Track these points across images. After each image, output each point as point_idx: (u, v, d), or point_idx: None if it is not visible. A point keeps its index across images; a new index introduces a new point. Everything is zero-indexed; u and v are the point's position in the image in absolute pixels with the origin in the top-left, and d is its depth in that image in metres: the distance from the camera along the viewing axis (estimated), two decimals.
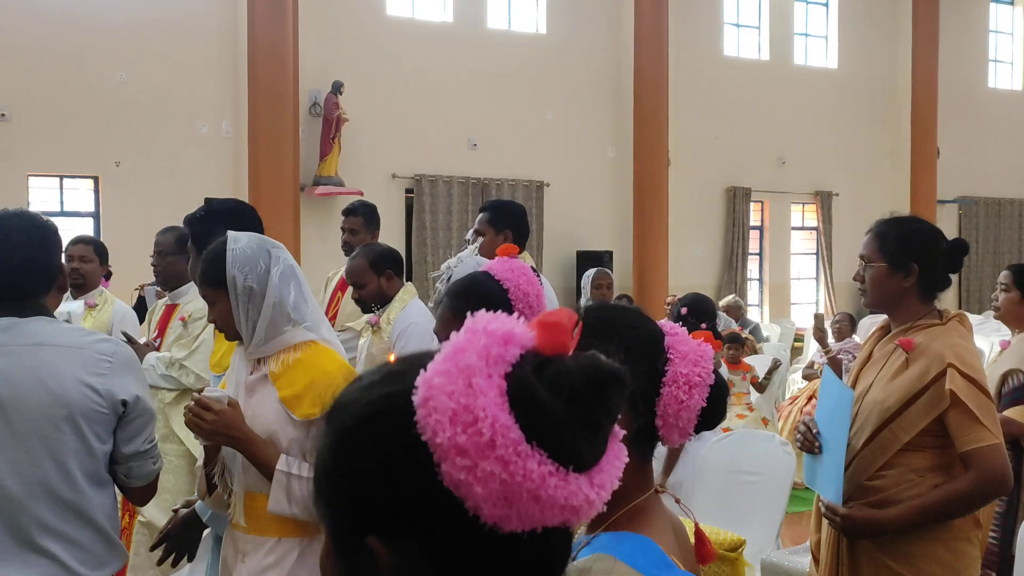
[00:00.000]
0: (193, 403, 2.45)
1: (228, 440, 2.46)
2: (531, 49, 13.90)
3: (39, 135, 10.69)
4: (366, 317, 4.44)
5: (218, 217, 3.56)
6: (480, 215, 4.62)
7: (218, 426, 2.43)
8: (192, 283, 4.72)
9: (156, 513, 4.41)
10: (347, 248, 5.84)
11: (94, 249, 5.33)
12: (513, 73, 13.59)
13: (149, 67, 11.20)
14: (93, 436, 2.40)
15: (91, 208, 11.20)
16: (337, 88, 12.03)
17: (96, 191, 11.27)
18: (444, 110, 12.99)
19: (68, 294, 5.91)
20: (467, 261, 3.47)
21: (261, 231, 3.37)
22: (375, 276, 4.38)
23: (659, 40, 14.28)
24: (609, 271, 7.69)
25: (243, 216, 3.62)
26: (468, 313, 0.89)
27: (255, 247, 2.48)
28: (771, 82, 15.87)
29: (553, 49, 14.01)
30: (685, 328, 1.52)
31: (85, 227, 10.97)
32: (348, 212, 5.92)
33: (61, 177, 11.10)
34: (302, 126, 11.98)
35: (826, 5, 16.99)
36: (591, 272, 7.39)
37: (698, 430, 1.47)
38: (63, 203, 11.08)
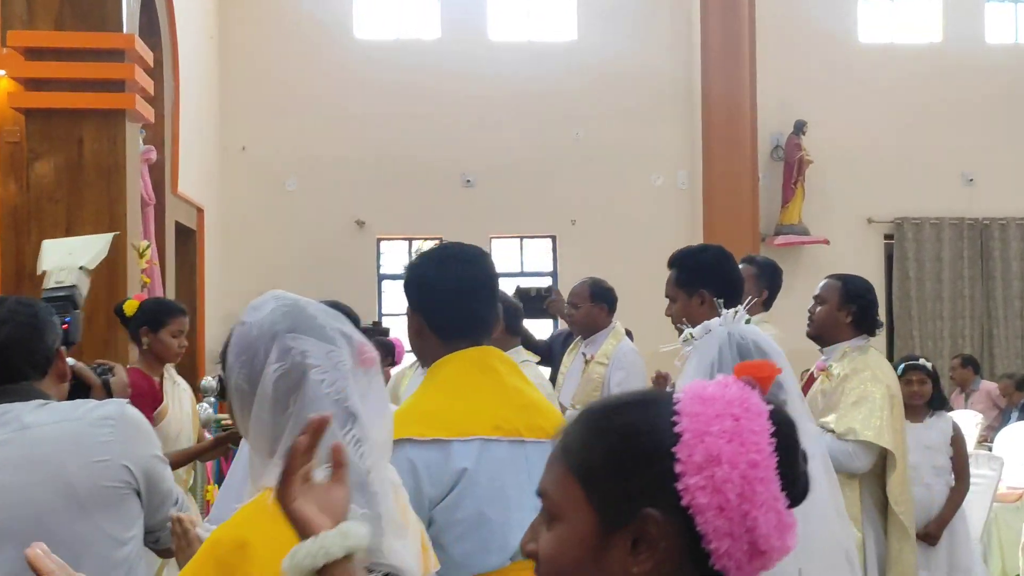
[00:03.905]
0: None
1: None
2: None
3: (501, 198, 10.99)
4: None
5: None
6: (671, 273, 3.59)
7: None
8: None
9: None
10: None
11: None
12: (1020, 92, 11.45)
13: (603, 122, 11.05)
14: (113, 522, 1.97)
15: (549, 267, 11.27)
16: (799, 128, 10.97)
17: (554, 250, 11.33)
18: (931, 142, 11.27)
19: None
20: (717, 331, 2.48)
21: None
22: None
23: None
24: None
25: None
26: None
27: (268, 324, 1.61)
28: None
29: None
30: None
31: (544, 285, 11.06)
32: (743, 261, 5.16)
33: (521, 238, 11.32)
34: (762, 172, 11.07)
35: None
36: None
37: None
38: (523, 263, 11.28)
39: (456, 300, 2.22)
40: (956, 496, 4.74)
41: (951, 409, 5.99)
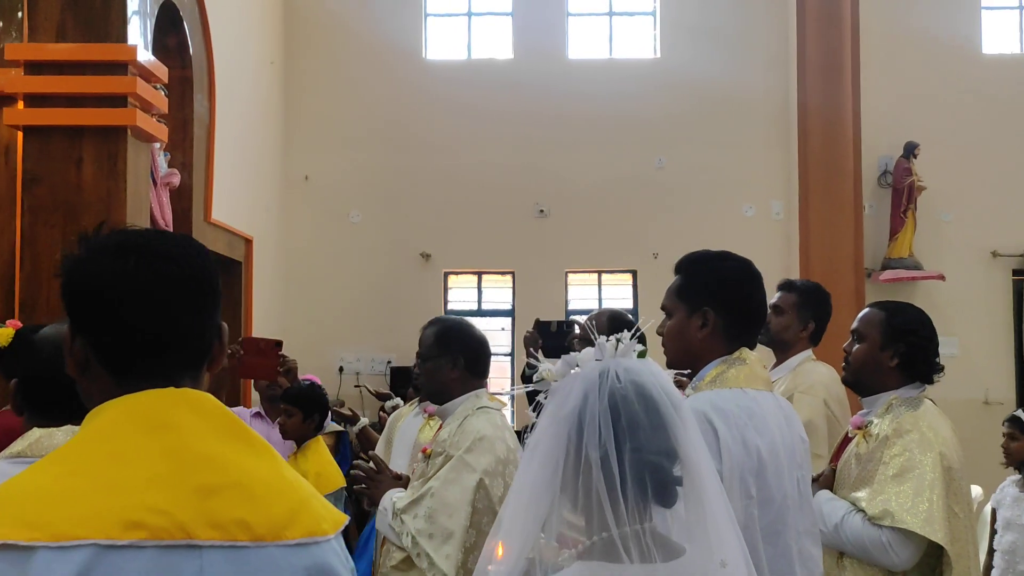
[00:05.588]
0: None
1: None
2: None
3: (577, 229, 10.18)
4: None
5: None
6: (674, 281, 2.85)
7: None
8: (464, 397, 3.39)
9: None
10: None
11: None
12: None
13: (688, 147, 10.14)
14: None
15: (629, 304, 10.34)
16: (910, 151, 9.80)
17: (634, 285, 10.42)
18: None
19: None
20: (587, 369, 1.63)
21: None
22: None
23: None
24: None
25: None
26: None
27: None
28: None
29: None
30: None
31: None
32: (781, 287, 4.26)
33: (599, 272, 10.46)
34: (867, 201, 9.94)
35: None
36: None
37: None
38: (601, 300, 10.40)
39: (144, 315, 1.42)
40: None
41: None
